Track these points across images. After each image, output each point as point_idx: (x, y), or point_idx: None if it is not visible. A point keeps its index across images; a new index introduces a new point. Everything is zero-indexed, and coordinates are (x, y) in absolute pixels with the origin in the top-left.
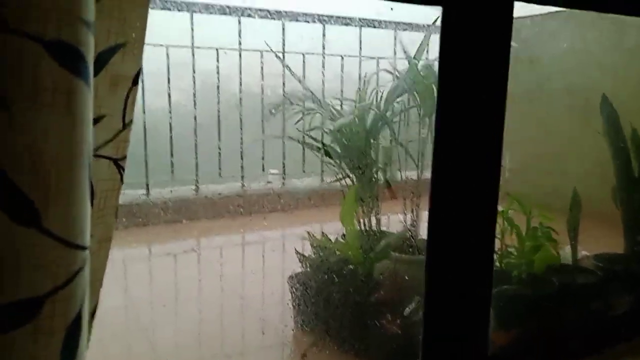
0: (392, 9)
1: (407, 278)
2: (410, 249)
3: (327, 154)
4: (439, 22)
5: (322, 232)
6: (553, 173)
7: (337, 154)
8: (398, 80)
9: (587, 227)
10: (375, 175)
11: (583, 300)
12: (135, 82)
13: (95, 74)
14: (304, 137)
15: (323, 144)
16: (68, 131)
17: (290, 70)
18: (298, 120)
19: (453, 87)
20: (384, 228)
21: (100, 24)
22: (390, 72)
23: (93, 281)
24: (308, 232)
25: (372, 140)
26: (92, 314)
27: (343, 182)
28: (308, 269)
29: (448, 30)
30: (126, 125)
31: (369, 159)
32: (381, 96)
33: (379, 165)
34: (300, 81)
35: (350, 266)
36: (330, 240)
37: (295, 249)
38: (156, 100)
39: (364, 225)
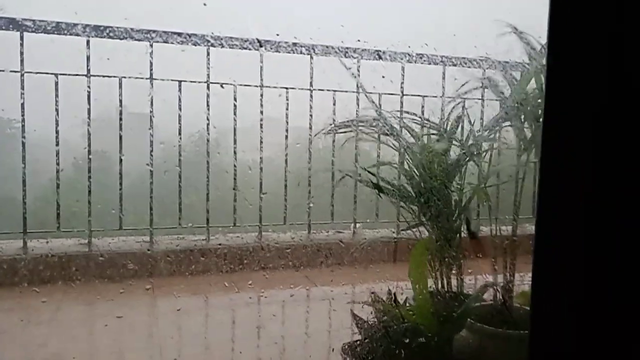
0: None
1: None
2: (502, 320)
3: (379, 189)
4: None
5: (389, 292)
6: None
7: (410, 196)
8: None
9: None
10: (457, 224)
11: None
12: None
13: None
14: (359, 173)
15: (377, 181)
16: None
17: (365, 93)
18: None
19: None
20: (466, 291)
21: None
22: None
23: None
24: (372, 293)
25: (454, 180)
26: None
27: (418, 231)
28: (366, 339)
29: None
30: None
31: (449, 203)
32: (470, 129)
33: (462, 211)
34: (378, 112)
35: (421, 338)
36: (396, 302)
37: (353, 312)
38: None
39: (440, 285)
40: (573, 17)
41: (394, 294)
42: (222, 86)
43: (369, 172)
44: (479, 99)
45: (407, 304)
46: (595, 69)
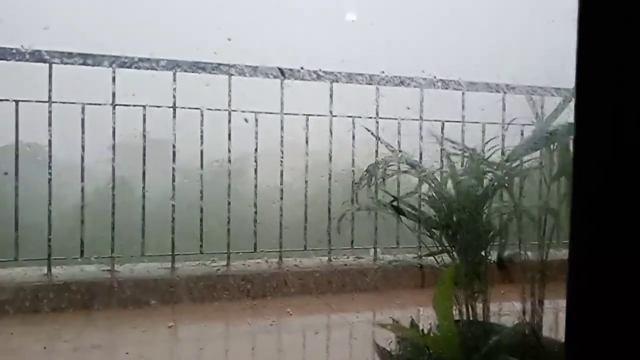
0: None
1: None
2: (533, 352)
3: (400, 212)
4: None
5: (412, 320)
6: None
7: (433, 223)
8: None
9: None
10: (485, 251)
11: None
12: None
13: None
14: (378, 200)
15: (398, 208)
16: None
17: (375, 136)
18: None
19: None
20: (493, 319)
21: None
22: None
23: None
24: (393, 320)
25: (483, 206)
26: None
27: (442, 258)
28: None
29: None
30: None
31: (475, 229)
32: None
33: (490, 238)
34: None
35: None
36: (419, 331)
37: (375, 342)
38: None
39: (466, 315)
40: (602, 40)
41: (418, 323)
42: (246, 120)
43: (392, 197)
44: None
45: (432, 333)
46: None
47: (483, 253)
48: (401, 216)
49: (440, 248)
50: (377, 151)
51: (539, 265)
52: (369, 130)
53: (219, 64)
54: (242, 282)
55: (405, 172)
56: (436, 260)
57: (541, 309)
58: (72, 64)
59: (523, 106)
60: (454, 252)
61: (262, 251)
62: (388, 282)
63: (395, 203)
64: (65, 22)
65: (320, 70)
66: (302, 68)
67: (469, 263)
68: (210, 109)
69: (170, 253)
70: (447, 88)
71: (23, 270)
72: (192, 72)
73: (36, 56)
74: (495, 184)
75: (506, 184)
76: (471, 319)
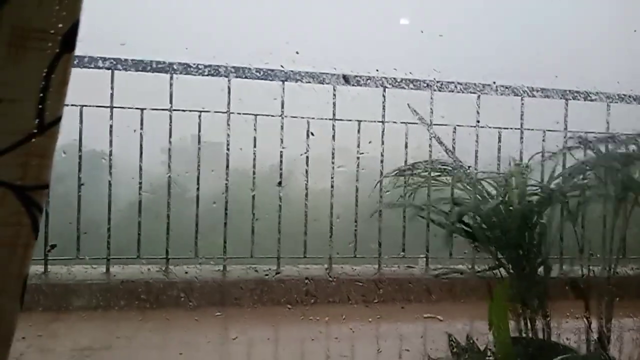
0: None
1: None
2: None
3: (460, 230)
4: None
5: (467, 337)
6: None
7: (486, 237)
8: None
9: None
10: (543, 266)
11: None
12: (68, 44)
13: None
14: (428, 212)
15: (452, 221)
16: None
17: (439, 140)
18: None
19: None
20: (555, 339)
21: None
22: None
23: None
24: (449, 336)
25: (537, 220)
26: None
27: (499, 272)
28: None
29: None
30: (47, 125)
31: (532, 242)
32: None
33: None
34: (447, 151)
35: None
36: (477, 348)
37: (430, 358)
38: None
39: (525, 332)
40: None
41: (474, 339)
42: (312, 134)
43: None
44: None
45: (489, 351)
46: None
47: (541, 268)
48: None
49: (496, 262)
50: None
51: (605, 281)
52: (436, 138)
53: (274, 70)
54: (290, 287)
55: (458, 180)
56: (493, 273)
57: (608, 328)
58: (135, 70)
59: (591, 113)
60: (510, 266)
61: (310, 257)
62: (439, 292)
63: (457, 216)
64: (122, 29)
65: (379, 75)
66: (363, 76)
67: (525, 277)
68: (263, 115)
69: (222, 256)
70: (506, 94)
71: (84, 268)
72: (248, 78)
73: (99, 63)
74: (553, 198)
75: (564, 200)
76: (531, 336)
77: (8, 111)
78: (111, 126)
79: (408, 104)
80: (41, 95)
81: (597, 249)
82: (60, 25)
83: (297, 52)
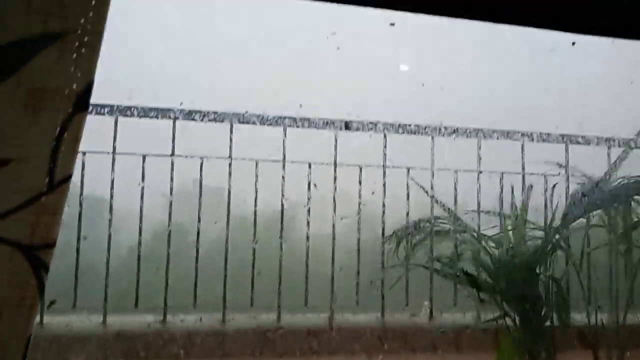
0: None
1: None
2: None
3: (465, 281)
4: None
5: None
6: None
7: (490, 287)
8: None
9: None
10: (548, 316)
11: None
12: (81, 104)
13: None
14: (432, 263)
15: (466, 273)
16: None
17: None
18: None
19: None
20: None
21: None
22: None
23: None
24: None
25: (541, 269)
26: None
27: (504, 321)
28: None
29: None
30: (58, 183)
31: (537, 294)
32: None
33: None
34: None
35: None
36: None
37: None
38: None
39: None
40: None
41: None
42: (314, 185)
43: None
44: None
45: None
46: None
47: (546, 318)
48: (459, 278)
49: (501, 312)
50: (432, 202)
51: (615, 330)
52: (421, 187)
53: (280, 116)
54: (291, 338)
55: (460, 231)
56: (497, 322)
57: None
58: (136, 116)
59: (587, 157)
60: (515, 316)
61: (313, 306)
62: (447, 343)
63: (461, 269)
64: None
65: (379, 121)
66: (361, 121)
67: (531, 327)
68: (264, 160)
69: (222, 304)
70: (506, 137)
71: (79, 318)
72: (250, 123)
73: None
74: (550, 245)
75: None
76: None
77: (19, 170)
78: (113, 172)
79: (412, 177)
80: (53, 154)
81: (604, 296)
82: (74, 86)
83: (300, 105)
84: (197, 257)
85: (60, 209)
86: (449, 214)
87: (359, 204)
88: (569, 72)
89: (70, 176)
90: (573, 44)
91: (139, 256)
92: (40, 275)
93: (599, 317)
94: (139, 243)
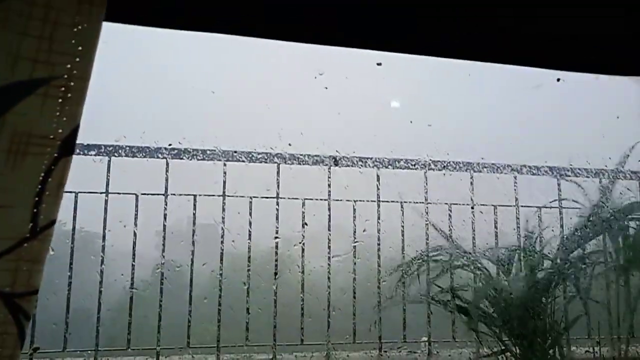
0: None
1: None
2: None
3: (462, 312)
4: None
5: None
6: None
7: (492, 319)
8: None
9: None
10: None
11: None
12: (67, 148)
13: None
14: (431, 295)
15: (459, 303)
16: None
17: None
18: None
19: None
20: None
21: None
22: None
23: None
24: None
25: (543, 300)
26: None
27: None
28: None
29: None
30: (41, 229)
31: (536, 330)
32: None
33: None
34: (447, 238)
35: None
36: None
37: None
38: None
39: None
40: None
41: None
42: (305, 224)
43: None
44: None
45: None
46: None
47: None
48: (459, 312)
49: (502, 346)
50: (427, 235)
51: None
52: (434, 226)
53: (270, 154)
54: None
55: (458, 267)
56: (497, 357)
57: None
58: (131, 156)
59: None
60: (516, 350)
61: (309, 344)
62: None
63: (455, 300)
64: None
65: (369, 158)
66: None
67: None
68: (257, 197)
69: (216, 345)
70: (498, 172)
71: None
72: (243, 161)
73: (98, 150)
74: (555, 277)
75: (566, 275)
76: None
77: (2, 216)
78: (105, 211)
79: (425, 214)
80: (37, 199)
81: (604, 328)
82: (60, 131)
83: (289, 144)
84: (190, 297)
85: (43, 256)
86: (456, 248)
87: (353, 245)
88: (554, 108)
89: (54, 221)
90: (558, 80)
91: (131, 298)
92: (21, 323)
93: (601, 350)
94: (132, 284)
